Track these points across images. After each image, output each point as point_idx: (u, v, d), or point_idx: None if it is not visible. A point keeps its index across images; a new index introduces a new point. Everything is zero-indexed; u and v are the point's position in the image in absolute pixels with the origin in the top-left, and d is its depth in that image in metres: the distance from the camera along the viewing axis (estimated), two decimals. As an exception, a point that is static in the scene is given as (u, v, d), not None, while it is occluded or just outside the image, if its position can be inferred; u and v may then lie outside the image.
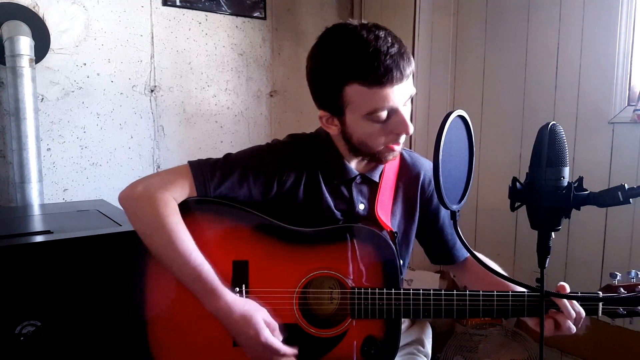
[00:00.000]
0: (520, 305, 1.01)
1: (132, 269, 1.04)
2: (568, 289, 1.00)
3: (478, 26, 2.34)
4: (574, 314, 0.98)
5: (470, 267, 1.24)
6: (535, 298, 1.00)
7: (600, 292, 1.02)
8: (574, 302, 0.99)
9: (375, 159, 1.06)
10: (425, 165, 1.19)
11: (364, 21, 0.96)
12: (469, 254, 1.23)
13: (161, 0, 2.31)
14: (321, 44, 0.98)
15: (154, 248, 1.00)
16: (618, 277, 1.02)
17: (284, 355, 0.97)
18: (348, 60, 0.92)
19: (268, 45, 2.65)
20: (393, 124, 0.97)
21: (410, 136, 2.56)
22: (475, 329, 2.15)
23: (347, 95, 0.94)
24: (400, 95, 0.95)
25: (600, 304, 1.01)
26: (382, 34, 0.93)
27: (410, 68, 0.94)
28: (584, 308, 1.00)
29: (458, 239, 0.74)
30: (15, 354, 1.16)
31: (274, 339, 0.96)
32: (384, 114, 0.95)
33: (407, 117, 0.97)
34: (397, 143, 1.02)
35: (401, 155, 1.17)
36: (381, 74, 0.90)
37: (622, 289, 1.00)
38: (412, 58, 0.96)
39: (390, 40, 0.92)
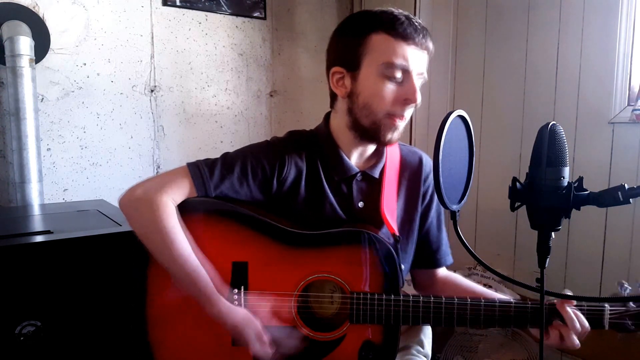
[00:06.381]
0: (523, 315, 0.98)
1: (132, 269, 1.04)
2: (573, 302, 0.97)
3: (478, 26, 2.34)
4: (579, 328, 0.95)
5: (445, 280, 1.22)
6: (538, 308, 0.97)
7: (607, 305, 0.97)
8: (580, 315, 0.96)
9: (375, 133, 1.03)
10: (424, 155, 1.20)
11: None
12: (449, 264, 1.23)
13: (161, 0, 2.31)
14: (350, 15, 1.08)
15: (151, 250, 1.00)
16: (627, 288, 0.98)
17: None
18: (378, 15, 1.01)
19: (268, 45, 2.65)
20: (403, 88, 1.00)
21: (410, 136, 2.56)
22: (475, 329, 2.15)
23: (371, 42, 0.99)
24: (418, 62, 1.00)
25: (608, 317, 0.96)
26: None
27: (431, 44, 1.01)
28: (589, 321, 0.96)
29: (459, 239, 0.74)
30: (15, 354, 1.16)
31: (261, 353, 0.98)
32: (399, 73, 0.99)
33: (419, 88, 1.00)
34: (401, 117, 1.02)
35: (400, 149, 1.17)
36: (407, 31, 0.98)
37: (631, 303, 0.96)
38: (432, 42, 1.03)
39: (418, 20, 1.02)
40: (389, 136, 1.03)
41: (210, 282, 0.97)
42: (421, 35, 0.99)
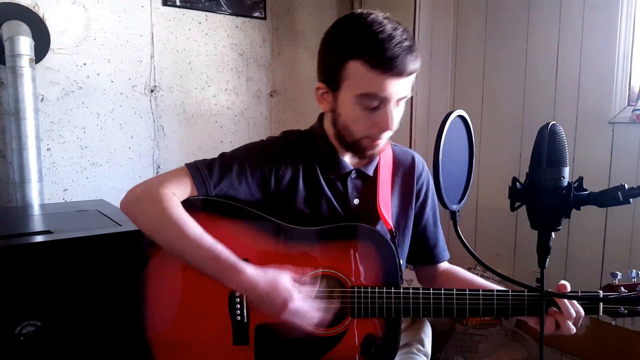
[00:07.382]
0: (520, 305, 1.01)
1: (132, 269, 1.04)
2: (569, 288, 1.00)
3: (478, 26, 2.34)
4: (573, 314, 0.97)
5: (446, 272, 1.24)
6: (536, 297, 1.00)
7: (600, 292, 1.02)
8: (574, 301, 0.98)
9: (358, 149, 1.06)
10: (416, 155, 1.21)
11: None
12: (447, 259, 1.25)
13: (161, 0, 2.31)
14: (339, 21, 1.02)
15: (164, 242, 1.00)
16: (619, 277, 1.02)
17: (317, 315, 0.96)
18: (359, 37, 0.95)
19: (268, 45, 2.65)
20: (378, 116, 0.98)
21: (411, 136, 2.56)
22: (476, 329, 2.15)
23: (348, 70, 0.97)
24: (396, 89, 0.96)
25: (601, 303, 1.00)
26: (399, 27, 0.96)
27: (414, 65, 0.96)
28: (584, 307, 0.99)
29: (459, 239, 0.74)
30: (15, 354, 1.16)
31: (302, 303, 0.95)
32: (374, 102, 0.97)
33: (394, 116, 0.99)
34: (379, 138, 1.03)
35: (392, 149, 1.18)
36: (385, 60, 0.92)
37: (622, 289, 1.00)
38: (419, 59, 0.97)
39: (405, 35, 0.95)
40: (370, 152, 1.06)
41: (230, 253, 0.96)
42: (403, 61, 0.93)
